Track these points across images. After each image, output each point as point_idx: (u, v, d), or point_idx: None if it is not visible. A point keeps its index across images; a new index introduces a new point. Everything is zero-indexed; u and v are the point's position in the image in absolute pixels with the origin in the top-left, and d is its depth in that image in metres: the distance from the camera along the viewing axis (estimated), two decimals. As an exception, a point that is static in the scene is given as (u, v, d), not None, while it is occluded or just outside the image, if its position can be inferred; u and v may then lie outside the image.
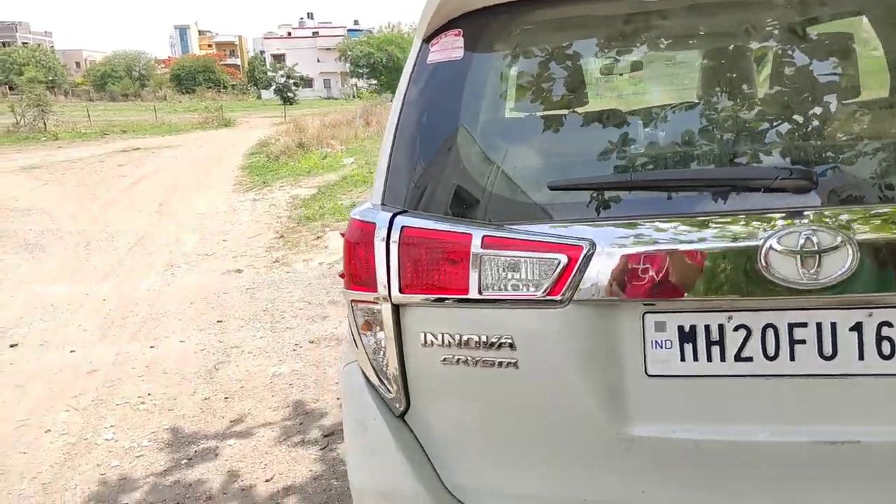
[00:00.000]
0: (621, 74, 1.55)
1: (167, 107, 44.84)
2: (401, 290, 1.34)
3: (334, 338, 4.26)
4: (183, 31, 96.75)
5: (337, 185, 10.60)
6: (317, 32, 79.47)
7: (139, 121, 31.19)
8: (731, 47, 1.51)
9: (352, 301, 1.44)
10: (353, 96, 59.26)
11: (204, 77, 66.53)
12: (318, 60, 74.24)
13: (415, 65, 1.44)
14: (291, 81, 39.19)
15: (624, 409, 1.27)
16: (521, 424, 1.34)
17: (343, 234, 1.47)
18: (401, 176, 1.42)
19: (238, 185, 11.79)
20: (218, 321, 4.75)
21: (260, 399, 3.48)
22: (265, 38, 78.11)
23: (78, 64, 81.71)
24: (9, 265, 6.57)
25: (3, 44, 68.83)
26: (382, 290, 1.35)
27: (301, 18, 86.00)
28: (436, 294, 1.32)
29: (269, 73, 48.82)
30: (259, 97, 64.13)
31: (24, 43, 69.65)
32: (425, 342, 1.34)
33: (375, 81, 64.13)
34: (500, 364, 1.29)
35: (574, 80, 1.46)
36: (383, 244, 1.34)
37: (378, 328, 1.39)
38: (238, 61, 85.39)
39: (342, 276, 1.47)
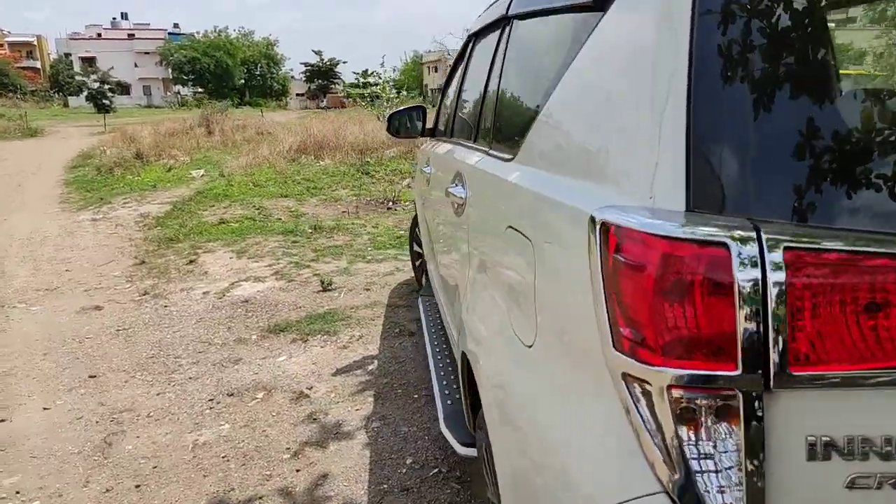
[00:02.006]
0: None
1: (-50, 114, 38.41)
2: (786, 367, 0.80)
3: (261, 387, 3.47)
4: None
5: (194, 200, 9.39)
6: (132, 35, 72.90)
7: (-85, 130, 26.22)
8: None
9: (669, 387, 0.84)
10: (179, 104, 55.25)
11: (-5, 81, 58.05)
12: (136, 65, 68.33)
13: None
14: (107, 87, 34.96)
15: None
16: None
17: (624, 257, 0.87)
18: (732, 159, 0.85)
19: (67, 203, 10.04)
20: (90, 376, 3.73)
21: (188, 483, 2.65)
22: (71, 39, 70.00)
23: None
24: None
25: None
26: (749, 366, 0.80)
27: (114, 19, 77.96)
28: (858, 368, 0.79)
29: (79, 78, 43.60)
30: (66, 105, 57.19)
31: None
32: (814, 453, 0.81)
33: (202, 89, 60.44)
34: None
35: None
36: (752, 282, 0.79)
37: (720, 433, 0.83)
38: (38, 64, 75.70)
39: (628, 339, 0.87)
